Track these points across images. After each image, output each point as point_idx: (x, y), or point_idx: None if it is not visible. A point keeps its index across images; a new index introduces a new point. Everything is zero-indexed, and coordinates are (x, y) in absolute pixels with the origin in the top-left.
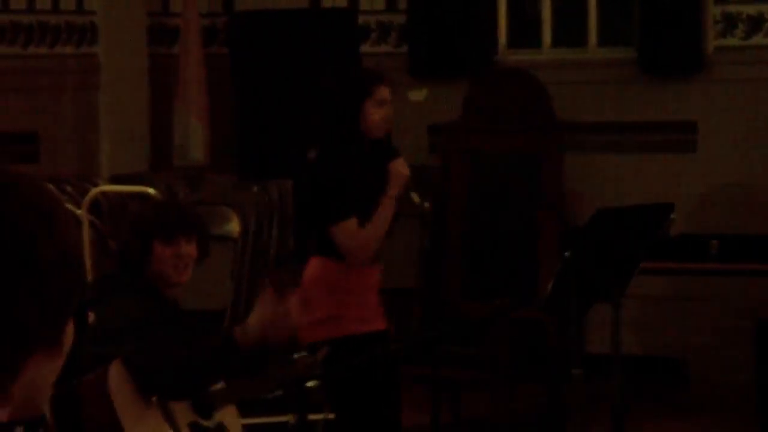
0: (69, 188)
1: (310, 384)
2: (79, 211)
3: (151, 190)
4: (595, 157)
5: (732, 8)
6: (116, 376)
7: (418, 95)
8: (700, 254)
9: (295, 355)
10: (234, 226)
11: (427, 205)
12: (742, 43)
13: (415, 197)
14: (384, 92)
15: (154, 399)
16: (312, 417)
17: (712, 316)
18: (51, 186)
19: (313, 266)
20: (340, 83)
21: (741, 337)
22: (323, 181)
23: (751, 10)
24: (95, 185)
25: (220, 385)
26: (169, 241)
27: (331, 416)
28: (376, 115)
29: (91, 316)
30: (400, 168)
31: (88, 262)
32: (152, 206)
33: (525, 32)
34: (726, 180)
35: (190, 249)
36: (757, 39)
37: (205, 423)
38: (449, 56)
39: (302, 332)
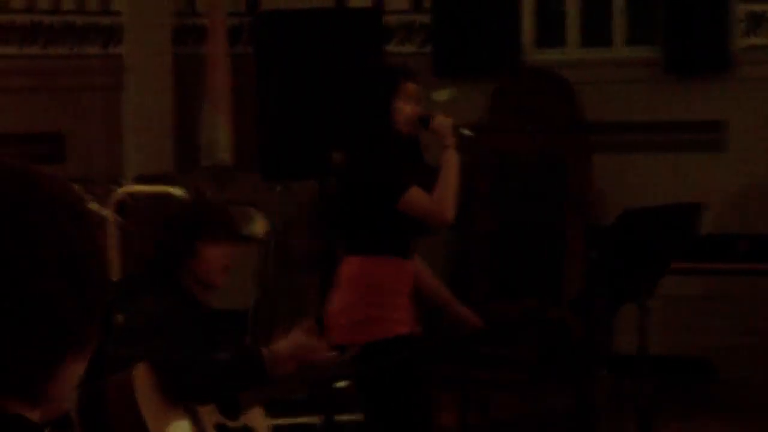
0: (95, 188)
1: (339, 384)
2: (105, 212)
3: (176, 191)
4: (621, 157)
5: (757, 7)
6: (143, 376)
7: (442, 95)
8: (728, 254)
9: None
10: (259, 227)
11: (469, 133)
12: None
13: (466, 131)
14: (412, 88)
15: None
16: (339, 418)
17: (740, 316)
18: (77, 186)
19: (352, 265)
20: (369, 80)
21: None
22: (366, 173)
23: None
24: (121, 186)
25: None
26: (218, 242)
27: (359, 417)
28: (406, 110)
29: (119, 318)
30: (443, 119)
31: (114, 263)
32: (196, 207)
33: (551, 31)
34: (754, 179)
35: (231, 251)
36: None
37: (232, 424)
38: (474, 56)
39: (339, 334)
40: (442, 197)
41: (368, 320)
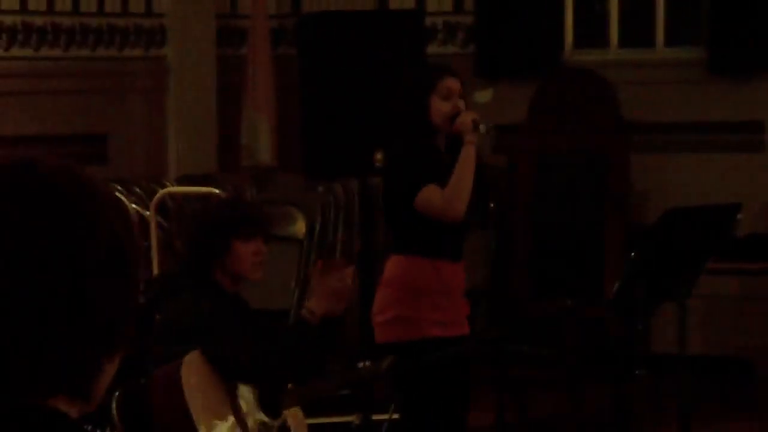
0: (137, 189)
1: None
2: (147, 213)
3: (218, 191)
4: (662, 158)
5: None
6: (190, 368)
7: (484, 96)
8: (767, 254)
9: (360, 365)
10: (300, 227)
11: (487, 129)
12: None
13: (482, 128)
14: (450, 84)
15: (226, 395)
16: (377, 417)
17: None
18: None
19: (393, 264)
20: (407, 79)
21: None
22: (398, 169)
23: None
24: (163, 186)
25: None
26: (249, 239)
27: (396, 416)
28: (443, 108)
29: (157, 317)
30: (465, 116)
31: (155, 263)
32: (230, 204)
33: (592, 32)
34: None
35: (264, 246)
36: None
37: (272, 422)
38: (516, 57)
39: (377, 331)
40: (452, 192)
41: (398, 319)
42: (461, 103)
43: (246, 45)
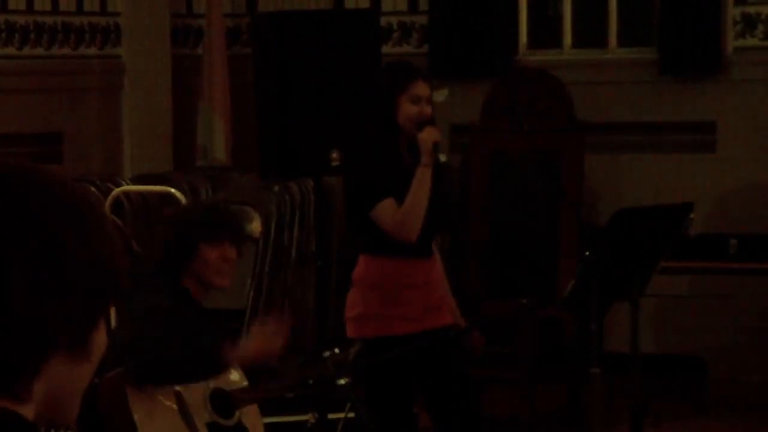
0: (92, 188)
1: (340, 381)
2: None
3: (173, 190)
4: (615, 157)
5: (751, 9)
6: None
7: (439, 95)
8: (719, 253)
9: (326, 353)
10: (255, 226)
11: (445, 159)
12: (762, 44)
13: (442, 157)
14: (420, 88)
15: (172, 400)
16: (332, 416)
17: (731, 316)
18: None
19: (360, 264)
20: (380, 75)
21: (760, 337)
22: (358, 172)
23: None
24: (118, 185)
25: (243, 384)
26: (216, 243)
27: (351, 415)
28: (410, 110)
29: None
30: (427, 135)
31: None
32: (197, 208)
33: (546, 33)
34: (745, 180)
35: (234, 252)
36: None
37: (225, 422)
38: (470, 57)
39: (347, 328)
40: (405, 216)
41: (364, 317)
42: (429, 108)
43: (201, 44)
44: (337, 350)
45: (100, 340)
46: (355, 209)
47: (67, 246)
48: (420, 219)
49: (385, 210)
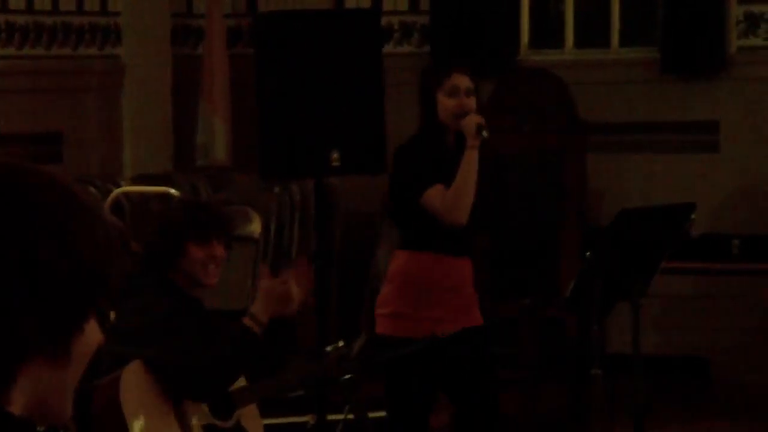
0: (92, 189)
1: (343, 378)
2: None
3: (173, 191)
4: (617, 157)
5: (755, 8)
6: (131, 379)
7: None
8: (722, 254)
9: (328, 348)
10: (256, 227)
11: (487, 135)
12: (765, 43)
13: (485, 133)
14: (456, 80)
15: (169, 403)
16: (331, 417)
17: (734, 316)
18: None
19: (399, 259)
20: (421, 74)
21: (763, 337)
22: (405, 165)
23: None
24: (118, 186)
25: (241, 384)
26: (202, 242)
27: (351, 417)
28: (448, 104)
29: (112, 315)
30: (469, 119)
31: None
32: (184, 207)
33: (547, 33)
34: (748, 180)
35: (221, 250)
36: None
37: (222, 425)
38: (471, 57)
39: (378, 324)
40: (452, 199)
41: (395, 315)
42: (470, 101)
43: (201, 44)
44: (341, 343)
45: (88, 341)
46: (401, 200)
47: (41, 255)
48: (470, 200)
49: (435, 194)
